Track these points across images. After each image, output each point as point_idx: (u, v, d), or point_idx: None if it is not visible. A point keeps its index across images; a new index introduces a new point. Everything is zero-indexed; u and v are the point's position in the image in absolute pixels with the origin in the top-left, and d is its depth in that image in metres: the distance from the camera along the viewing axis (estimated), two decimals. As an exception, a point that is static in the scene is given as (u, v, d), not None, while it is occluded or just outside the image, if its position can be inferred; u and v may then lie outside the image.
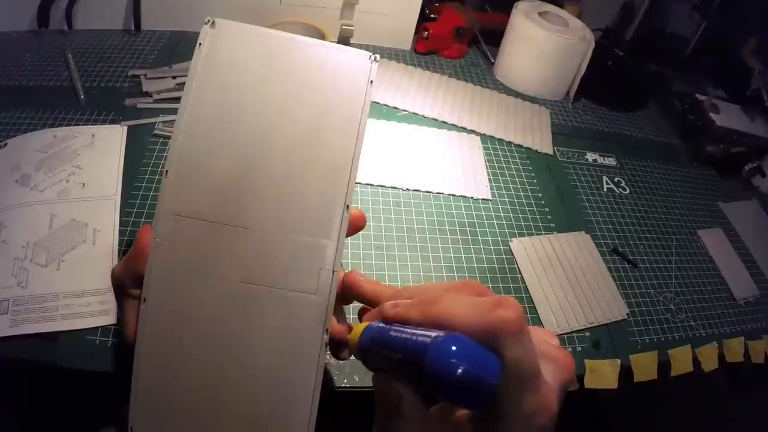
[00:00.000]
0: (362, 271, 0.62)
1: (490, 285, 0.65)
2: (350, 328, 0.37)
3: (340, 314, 0.40)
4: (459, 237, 0.69)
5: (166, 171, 0.35)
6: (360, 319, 0.35)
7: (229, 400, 0.34)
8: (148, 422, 0.34)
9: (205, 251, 0.35)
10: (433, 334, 0.24)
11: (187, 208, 0.35)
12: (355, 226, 0.38)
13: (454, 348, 0.23)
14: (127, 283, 0.36)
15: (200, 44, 0.37)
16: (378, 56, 0.38)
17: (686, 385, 0.67)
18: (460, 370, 0.22)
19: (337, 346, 0.38)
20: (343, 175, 0.36)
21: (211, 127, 0.36)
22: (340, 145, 0.37)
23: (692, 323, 0.70)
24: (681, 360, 0.66)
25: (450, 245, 0.68)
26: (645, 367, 0.64)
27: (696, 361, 0.67)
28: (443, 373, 0.22)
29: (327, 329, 0.35)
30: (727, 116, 1.02)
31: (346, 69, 0.38)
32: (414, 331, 0.26)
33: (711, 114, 1.01)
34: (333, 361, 0.53)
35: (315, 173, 0.36)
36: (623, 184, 0.88)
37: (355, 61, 0.38)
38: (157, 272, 0.35)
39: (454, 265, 0.66)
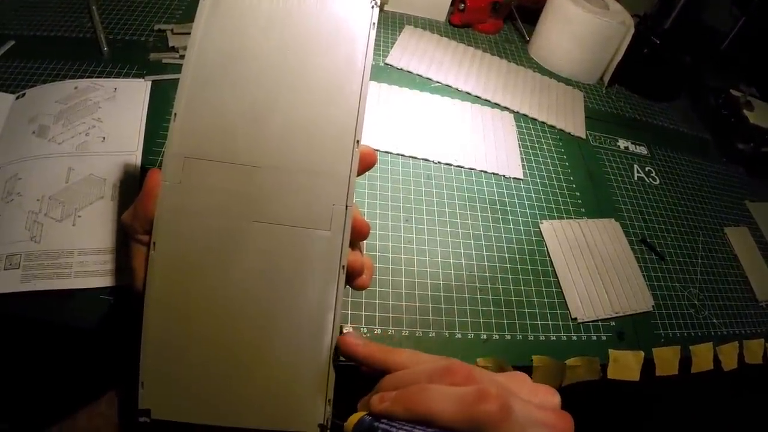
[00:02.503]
0: (390, 245, 0.61)
1: (519, 266, 0.63)
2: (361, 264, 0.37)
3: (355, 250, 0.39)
4: (489, 215, 0.67)
5: (174, 114, 0.34)
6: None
7: (245, 347, 0.33)
8: (160, 374, 0.32)
9: (216, 191, 0.34)
10: None
11: (196, 149, 0.34)
12: (366, 163, 0.37)
13: None
14: (136, 228, 0.34)
15: None
16: (379, 1, 0.38)
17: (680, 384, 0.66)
18: None
19: (349, 276, 0.37)
20: (351, 111, 0.36)
21: (220, 68, 0.35)
22: (347, 84, 0.36)
23: (714, 321, 0.69)
24: (702, 357, 0.65)
25: (480, 222, 0.66)
26: (667, 361, 0.63)
27: (716, 360, 0.66)
28: None
29: (343, 266, 0.34)
30: (761, 115, 0.99)
31: (347, 13, 0.38)
32: (400, 430, 0.27)
33: (745, 111, 0.99)
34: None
35: (324, 111, 0.36)
36: (654, 174, 0.86)
37: (356, 5, 0.38)
38: (167, 215, 0.33)
39: (483, 243, 0.64)
